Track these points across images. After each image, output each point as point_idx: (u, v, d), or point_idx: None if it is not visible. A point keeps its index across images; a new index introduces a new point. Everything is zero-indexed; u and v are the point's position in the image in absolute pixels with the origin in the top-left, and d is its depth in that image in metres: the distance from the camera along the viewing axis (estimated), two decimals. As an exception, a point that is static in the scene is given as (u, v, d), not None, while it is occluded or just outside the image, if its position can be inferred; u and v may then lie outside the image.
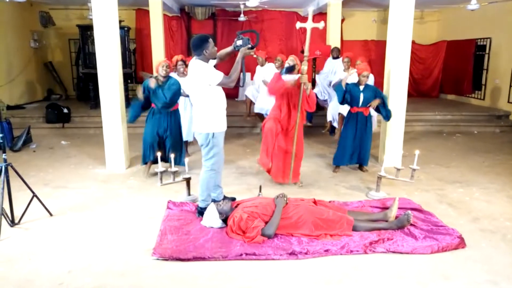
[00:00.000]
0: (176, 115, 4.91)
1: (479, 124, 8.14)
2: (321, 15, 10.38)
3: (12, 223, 3.46)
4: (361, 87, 4.84)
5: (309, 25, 4.35)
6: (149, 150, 4.79)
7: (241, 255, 2.97)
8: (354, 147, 4.99)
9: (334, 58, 7.50)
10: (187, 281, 2.69)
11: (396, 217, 3.46)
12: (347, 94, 4.84)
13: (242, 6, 8.87)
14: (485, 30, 9.28)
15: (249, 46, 3.43)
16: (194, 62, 3.44)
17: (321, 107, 7.54)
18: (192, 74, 3.45)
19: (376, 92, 4.88)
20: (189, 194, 4.15)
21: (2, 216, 3.34)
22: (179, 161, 4.74)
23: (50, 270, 2.81)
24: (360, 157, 5.06)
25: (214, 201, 3.72)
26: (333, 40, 8.77)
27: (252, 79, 9.13)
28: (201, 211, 3.64)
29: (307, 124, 6.98)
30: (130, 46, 9.56)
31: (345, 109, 5.83)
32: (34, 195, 3.60)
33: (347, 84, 4.89)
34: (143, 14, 10.30)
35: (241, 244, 3.11)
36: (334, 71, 7.14)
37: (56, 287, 2.62)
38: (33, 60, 9.86)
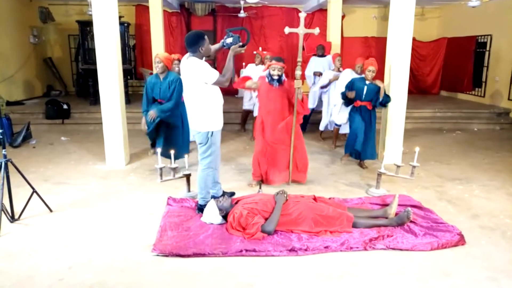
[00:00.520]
0: (180, 107, 4.80)
1: (479, 122, 8.14)
2: (321, 11, 10.37)
3: (12, 218, 3.46)
4: (367, 82, 4.86)
5: (301, 30, 4.25)
6: (153, 132, 4.92)
7: (241, 251, 2.97)
8: (362, 135, 5.00)
9: (319, 56, 7.22)
10: (187, 277, 2.69)
11: (396, 214, 3.47)
12: (349, 83, 4.96)
13: (242, 2, 8.84)
14: (485, 27, 9.26)
15: (240, 44, 3.39)
16: (189, 60, 3.37)
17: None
18: (188, 71, 3.38)
19: (379, 88, 4.89)
20: (189, 191, 4.15)
21: (2, 212, 3.34)
22: (181, 156, 4.66)
23: (50, 265, 2.81)
24: (366, 151, 5.06)
25: (214, 197, 3.72)
26: (334, 37, 8.75)
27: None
28: (200, 208, 3.64)
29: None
30: (129, 42, 9.53)
31: (340, 118, 5.86)
32: (34, 191, 3.60)
33: (351, 80, 4.93)
34: (142, 10, 10.27)
35: (241, 240, 3.12)
36: (320, 71, 6.92)
37: (56, 283, 2.62)
38: (33, 56, 9.83)
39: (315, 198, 3.59)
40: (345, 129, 5.91)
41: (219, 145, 3.67)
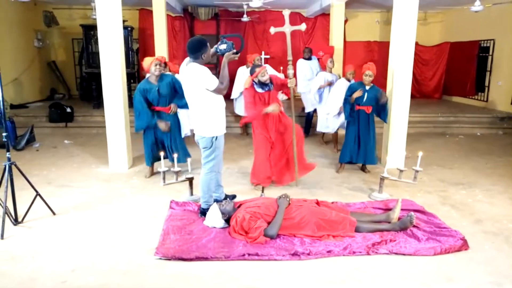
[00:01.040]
0: (174, 115, 4.82)
1: (482, 126, 8.12)
2: (324, 16, 10.40)
3: (16, 221, 3.48)
4: (367, 87, 4.85)
5: (287, 28, 4.26)
6: (151, 153, 4.80)
7: (244, 255, 2.97)
8: (358, 144, 5.00)
9: (305, 59, 7.14)
10: (189, 281, 2.69)
11: (399, 219, 3.46)
12: (348, 92, 4.91)
13: (245, 7, 8.87)
14: (488, 31, 9.26)
15: (234, 51, 3.39)
16: (191, 66, 3.36)
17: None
18: (190, 77, 3.38)
19: (379, 92, 4.88)
20: (191, 194, 4.16)
21: (6, 215, 3.36)
22: (183, 159, 4.68)
23: (53, 268, 2.82)
24: (365, 156, 5.04)
25: (216, 201, 3.72)
26: (336, 41, 8.76)
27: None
28: (203, 212, 3.65)
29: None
30: (133, 46, 9.58)
31: (333, 126, 5.89)
32: (38, 194, 3.61)
33: (353, 85, 4.93)
34: (146, 14, 10.32)
35: (244, 244, 3.11)
36: (307, 73, 6.87)
37: (59, 285, 2.63)
38: (37, 60, 9.90)
39: (317, 202, 3.58)
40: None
41: (222, 149, 3.68)
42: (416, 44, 5.70)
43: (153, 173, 4.93)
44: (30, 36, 9.64)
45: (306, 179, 4.74)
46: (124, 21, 6.35)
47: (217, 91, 3.38)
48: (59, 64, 10.71)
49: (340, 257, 3.01)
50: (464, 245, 3.13)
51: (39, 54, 10.02)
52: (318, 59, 6.87)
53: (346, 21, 10.14)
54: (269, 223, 3.25)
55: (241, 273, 2.79)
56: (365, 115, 4.93)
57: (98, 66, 5.79)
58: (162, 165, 4.02)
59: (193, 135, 3.78)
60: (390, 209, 3.65)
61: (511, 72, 8.62)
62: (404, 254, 3.04)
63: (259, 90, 4.22)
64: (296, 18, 10.94)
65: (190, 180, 4.12)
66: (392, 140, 5.35)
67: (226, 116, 3.68)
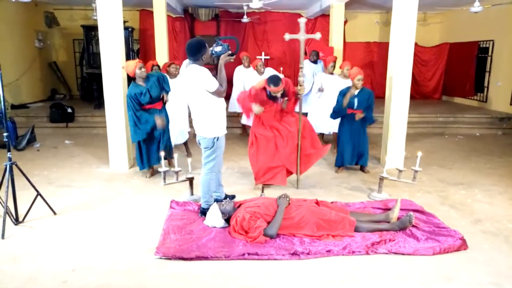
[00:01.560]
0: (164, 111, 4.85)
1: (481, 127, 8.13)
2: (324, 16, 10.42)
3: (16, 221, 3.49)
4: (356, 91, 4.85)
5: (302, 36, 4.27)
6: (151, 155, 4.82)
7: (244, 255, 2.99)
8: (352, 147, 5.02)
9: (312, 62, 7.13)
10: (189, 280, 2.70)
11: (398, 219, 3.47)
12: (340, 97, 4.92)
13: (245, 8, 8.89)
14: (487, 32, 9.28)
15: (229, 53, 3.39)
16: (191, 67, 3.37)
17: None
18: (190, 79, 3.39)
19: (370, 96, 4.91)
20: (192, 194, 4.17)
21: (7, 215, 3.37)
22: (171, 155, 4.75)
23: (54, 268, 2.83)
24: (359, 157, 5.08)
25: (216, 200, 3.74)
26: (336, 42, 8.79)
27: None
28: (203, 211, 3.66)
29: None
30: (134, 47, 9.60)
31: (328, 128, 5.91)
32: (38, 193, 3.62)
33: (343, 90, 4.95)
34: (147, 15, 10.35)
35: (244, 244, 3.13)
36: (312, 76, 6.85)
37: (60, 285, 2.64)
38: (38, 60, 9.92)
39: (317, 202, 3.59)
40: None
41: (223, 150, 3.70)
42: (416, 44, 5.71)
43: (153, 174, 4.95)
44: (31, 37, 9.66)
45: (305, 179, 4.76)
46: (124, 22, 6.35)
47: (217, 93, 3.40)
48: (60, 65, 10.74)
49: (340, 256, 3.02)
50: (463, 245, 3.14)
51: (40, 54, 10.04)
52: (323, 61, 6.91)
53: (345, 22, 10.15)
54: (269, 222, 3.26)
55: (241, 273, 2.80)
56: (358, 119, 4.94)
57: (99, 67, 5.80)
58: (162, 165, 4.04)
59: (194, 135, 3.80)
60: (389, 209, 3.66)
61: (510, 73, 8.64)
62: (403, 254, 3.05)
63: (269, 97, 4.20)
64: (296, 19, 10.95)
65: (191, 180, 4.14)
66: (391, 140, 5.37)
67: (229, 116, 3.69)
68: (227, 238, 3.24)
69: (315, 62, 7.17)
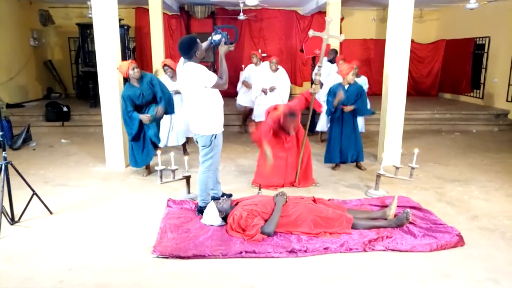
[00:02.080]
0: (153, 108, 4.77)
1: (478, 123, 8.16)
2: (320, 14, 10.41)
3: (12, 221, 3.47)
4: (346, 87, 4.85)
5: (326, 35, 4.25)
6: (137, 156, 4.78)
7: (241, 253, 2.98)
8: (343, 145, 5.00)
9: (329, 61, 7.01)
10: (187, 279, 2.70)
11: (395, 215, 3.48)
12: (330, 96, 4.91)
13: (241, 5, 8.87)
14: (484, 29, 9.30)
15: (227, 42, 3.35)
16: (187, 65, 3.35)
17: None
18: (187, 77, 3.37)
19: (360, 90, 4.91)
20: (188, 192, 4.16)
21: (2, 214, 3.34)
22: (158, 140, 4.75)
23: (51, 267, 2.82)
24: (355, 154, 5.06)
25: (214, 198, 3.73)
26: (333, 40, 8.76)
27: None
28: (200, 210, 3.65)
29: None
30: (129, 45, 9.55)
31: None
32: (34, 193, 3.60)
33: (332, 88, 4.95)
34: (142, 13, 10.30)
35: (241, 242, 3.12)
36: (328, 75, 6.73)
37: (57, 285, 2.63)
38: (33, 59, 9.86)
39: (314, 200, 3.60)
40: None
41: (220, 147, 3.69)
42: (412, 41, 5.72)
43: (150, 172, 4.93)
44: (26, 35, 9.59)
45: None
46: (120, 20, 6.32)
47: (217, 86, 3.37)
48: (55, 63, 10.68)
49: (337, 254, 3.02)
50: (460, 241, 3.15)
51: (35, 53, 9.97)
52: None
53: (342, 19, 10.13)
54: (266, 220, 3.26)
55: (238, 271, 2.80)
56: (348, 114, 4.94)
57: (94, 65, 5.77)
58: (159, 163, 4.02)
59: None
60: (386, 206, 3.66)
61: (506, 69, 8.66)
62: (400, 251, 3.06)
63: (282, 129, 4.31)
64: (292, 16, 10.96)
65: (187, 178, 4.13)
66: (388, 137, 5.38)
67: (224, 114, 3.67)
68: (224, 236, 3.23)
69: (331, 61, 6.94)
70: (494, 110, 8.62)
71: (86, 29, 8.66)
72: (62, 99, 9.65)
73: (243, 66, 10.35)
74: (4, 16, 8.66)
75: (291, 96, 6.22)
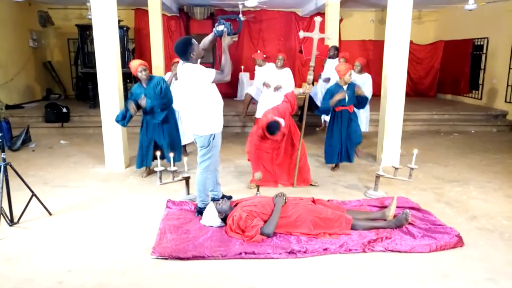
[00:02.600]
0: (170, 115, 4.84)
1: (476, 124, 8.18)
2: (319, 15, 10.40)
3: (11, 222, 3.46)
4: (345, 87, 4.86)
5: (316, 35, 4.30)
6: (146, 156, 4.79)
7: (240, 254, 2.98)
8: (341, 144, 5.01)
9: (329, 57, 7.33)
10: (186, 280, 2.70)
11: (395, 216, 3.48)
12: (327, 95, 4.92)
13: (240, 6, 8.88)
14: (482, 30, 9.32)
15: (230, 32, 3.33)
16: (184, 66, 3.36)
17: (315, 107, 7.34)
18: (185, 78, 3.38)
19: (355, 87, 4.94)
20: (188, 193, 4.16)
21: (1, 215, 3.34)
22: (178, 159, 4.73)
23: (50, 269, 2.82)
24: (349, 153, 5.05)
25: (213, 199, 3.73)
26: (332, 40, 8.77)
27: (251, 79, 9.07)
28: (200, 211, 3.65)
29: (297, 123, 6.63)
30: (129, 46, 9.56)
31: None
32: (33, 194, 3.60)
33: (330, 89, 4.96)
34: (142, 14, 10.31)
35: (240, 243, 3.12)
36: (331, 71, 6.95)
37: (56, 286, 2.63)
38: (32, 60, 9.85)
39: (313, 201, 3.60)
40: None
41: (219, 148, 3.69)
42: (411, 42, 5.74)
43: (149, 173, 4.93)
44: (25, 36, 9.59)
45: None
46: (119, 21, 6.32)
47: (217, 80, 3.34)
48: (54, 64, 10.67)
49: (336, 254, 3.03)
50: (459, 242, 3.15)
51: (35, 54, 9.97)
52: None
53: (341, 20, 10.17)
54: (265, 221, 3.26)
55: (238, 272, 2.80)
56: (347, 114, 4.95)
57: (94, 66, 5.78)
58: (158, 164, 4.02)
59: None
60: (385, 207, 3.67)
61: (505, 70, 8.68)
62: (399, 251, 3.06)
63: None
64: (291, 17, 10.98)
65: (187, 179, 4.13)
66: (387, 138, 5.38)
67: (223, 115, 3.67)
68: (223, 237, 3.23)
69: (332, 57, 7.26)
70: (493, 111, 8.64)
71: (85, 30, 8.66)
72: (62, 100, 9.65)
73: (242, 67, 10.40)
74: (3, 17, 8.66)
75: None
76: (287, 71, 6.53)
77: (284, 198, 3.39)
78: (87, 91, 8.82)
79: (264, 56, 7.55)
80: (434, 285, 2.65)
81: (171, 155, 4.12)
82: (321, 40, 9.35)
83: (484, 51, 9.40)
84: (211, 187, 3.85)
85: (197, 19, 10.28)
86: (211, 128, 3.50)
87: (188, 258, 2.93)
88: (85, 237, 3.29)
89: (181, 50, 3.31)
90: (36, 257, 2.97)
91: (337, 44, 8.91)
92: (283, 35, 11.06)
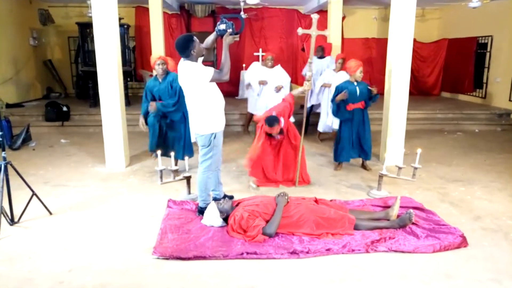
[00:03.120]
0: (183, 108, 4.75)
1: (480, 123, 8.12)
2: (321, 12, 10.35)
3: (12, 221, 3.44)
4: (355, 83, 4.83)
5: (313, 31, 4.27)
6: (155, 138, 4.83)
7: (242, 254, 2.95)
8: (353, 143, 4.99)
9: (319, 58, 7.12)
10: (187, 280, 2.67)
11: (398, 216, 3.45)
12: (336, 92, 4.90)
13: (242, 4, 8.82)
14: (486, 28, 9.25)
15: (233, 31, 3.31)
16: (183, 64, 3.33)
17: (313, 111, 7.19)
18: (184, 76, 3.35)
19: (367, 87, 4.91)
20: (189, 193, 4.13)
21: (2, 215, 3.32)
22: (181, 156, 4.73)
23: (50, 268, 2.80)
24: (362, 150, 5.03)
25: (215, 199, 3.70)
26: (334, 38, 8.73)
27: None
28: (201, 210, 3.62)
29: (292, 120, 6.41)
30: (129, 44, 9.53)
31: (336, 122, 5.86)
32: (34, 193, 3.58)
33: (340, 85, 4.91)
34: (142, 12, 10.27)
35: (242, 243, 3.09)
36: (321, 71, 6.86)
37: (57, 286, 2.61)
38: (32, 58, 9.83)
39: (316, 200, 3.56)
40: None
41: (221, 147, 3.66)
42: (414, 40, 5.68)
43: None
44: (26, 35, 9.57)
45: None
46: (120, 19, 6.30)
47: (215, 79, 3.31)
48: (55, 63, 10.65)
49: (339, 255, 3.00)
50: (463, 242, 3.12)
51: (35, 52, 9.95)
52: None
53: (343, 18, 10.08)
54: (267, 221, 3.23)
55: (239, 272, 2.77)
56: (359, 111, 4.91)
57: (94, 64, 5.74)
58: (159, 163, 3.99)
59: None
60: (389, 207, 3.64)
61: (509, 69, 8.62)
62: (403, 252, 3.03)
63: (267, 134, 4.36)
64: (293, 15, 10.92)
65: (188, 179, 4.10)
66: (390, 137, 5.34)
67: (225, 114, 3.64)
68: (225, 237, 3.20)
69: (321, 57, 7.16)
70: (497, 110, 8.57)
71: (85, 28, 8.63)
72: (62, 99, 9.63)
73: (243, 65, 10.36)
74: (3, 16, 8.64)
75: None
76: (279, 68, 6.52)
77: (286, 197, 3.36)
78: (87, 90, 8.80)
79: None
80: (438, 286, 2.62)
81: (172, 154, 4.09)
82: (324, 38, 9.32)
83: (488, 49, 9.34)
84: (213, 187, 3.82)
85: (198, 17, 10.24)
86: (212, 127, 3.47)
87: (189, 258, 2.90)
88: (86, 237, 3.27)
89: (182, 46, 3.28)
90: (36, 256, 2.95)
91: (339, 41, 8.88)
92: (285, 33, 11.00)
